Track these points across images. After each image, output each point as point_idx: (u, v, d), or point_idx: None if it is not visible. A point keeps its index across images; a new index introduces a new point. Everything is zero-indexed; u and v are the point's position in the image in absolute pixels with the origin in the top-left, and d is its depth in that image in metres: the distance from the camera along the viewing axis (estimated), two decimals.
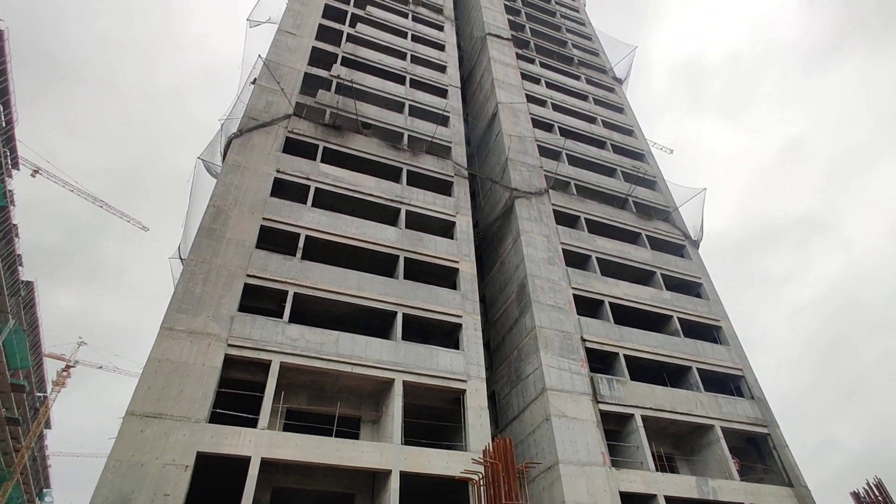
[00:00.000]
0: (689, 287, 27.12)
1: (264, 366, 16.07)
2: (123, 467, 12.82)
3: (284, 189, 21.09)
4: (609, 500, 16.99)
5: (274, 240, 19.46)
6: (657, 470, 18.95)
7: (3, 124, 42.21)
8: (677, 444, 22.06)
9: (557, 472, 17.07)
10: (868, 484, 8.75)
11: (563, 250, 24.59)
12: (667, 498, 18.04)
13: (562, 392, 19.07)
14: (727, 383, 23.93)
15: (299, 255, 18.96)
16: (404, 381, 17.24)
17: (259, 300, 17.97)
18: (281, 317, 17.17)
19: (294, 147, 22.84)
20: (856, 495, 8.81)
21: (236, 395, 15.61)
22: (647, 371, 22.26)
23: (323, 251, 20.08)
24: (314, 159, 22.59)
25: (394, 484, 14.90)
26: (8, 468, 48.89)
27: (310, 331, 17.13)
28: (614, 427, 20.02)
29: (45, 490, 65.85)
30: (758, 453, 22.49)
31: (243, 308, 17.02)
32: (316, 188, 21.43)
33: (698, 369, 23.03)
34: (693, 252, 28.88)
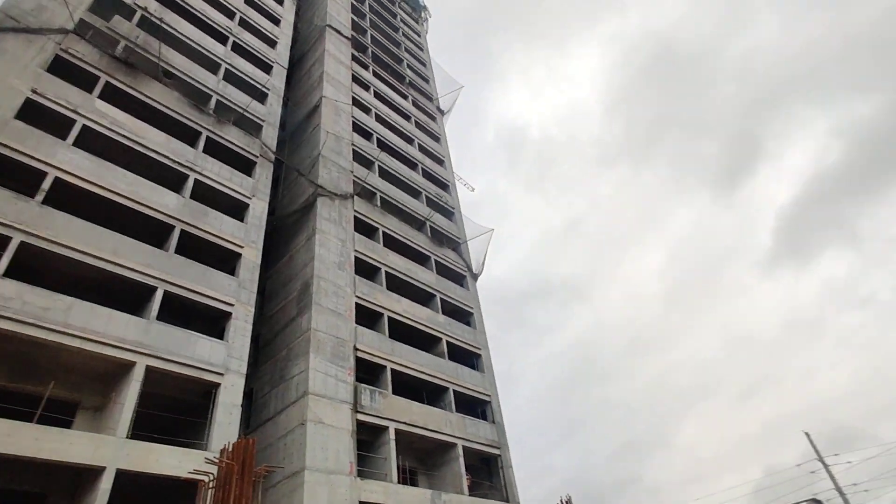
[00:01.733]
0: (463, 315, 29.50)
1: None
2: None
3: (40, 115, 17.11)
4: None
5: (12, 173, 15.61)
6: (399, 482, 19.78)
7: None
8: (422, 458, 23.40)
9: (301, 479, 16.60)
10: (560, 500, 10.31)
11: (356, 258, 24.64)
12: None
13: (324, 398, 18.77)
14: (475, 407, 26.40)
15: (40, 197, 15.47)
16: (148, 366, 15.09)
17: None
18: None
19: (65, 70, 18.78)
20: None
21: None
22: (408, 387, 23.30)
23: (78, 201, 16.73)
24: (90, 93, 18.90)
25: (105, 483, 12.75)
26: None
27: (32, 291, 13.95)
28: (367, 438, 20.38)
29: None
30: (487, 472, 25.12)
31: None
32: (84, 125, 17.89)
33: (455, 391, 24.95)
34: (472, 283, 31.56)
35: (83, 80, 19.07)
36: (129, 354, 14.91)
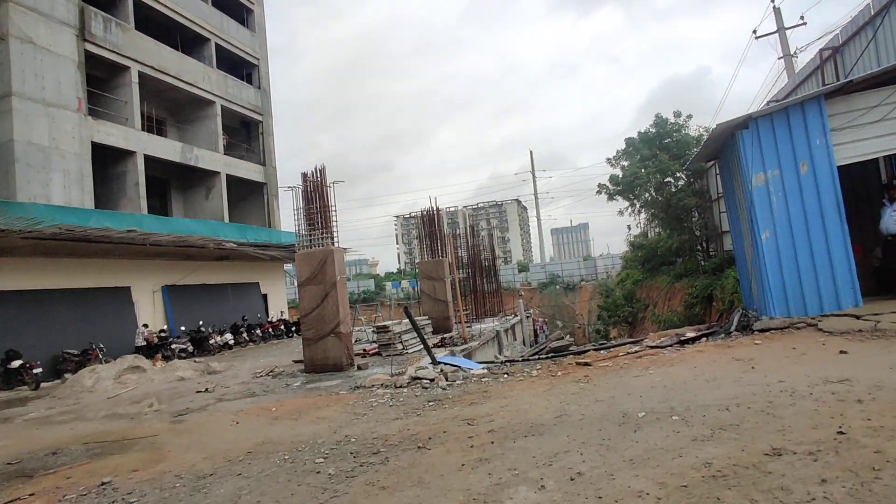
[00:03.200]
0: None
1: None
2: None
3: None
4: (77, 148, 15.46)
5: None
6: (143, 130, 18.27)
7: None
8: (173, 110, 21.59)
9: (9, 105, 13.89)
10: (315, 169, 10.97)
11: None
12: (147, 157, 17.93)
13: (34, 12, 14.71)
14: (241, 67, 24.26)
15: None
16: None
17: None
18: None
19: None
20: (304, 175, 10.99)
21: None
22: (158, 27, 19.71)
23: None
24: None
25: None
26: None
27: None
28: (102, 75, 17.51)
29: None
30: (247, 135, 24.83)
31: None
32: None
33: (217, 44, 22.21)
34: None
35: None
36: None
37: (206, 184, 21.38)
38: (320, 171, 11.12)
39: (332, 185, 11.10)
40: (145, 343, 15.12)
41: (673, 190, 19.75)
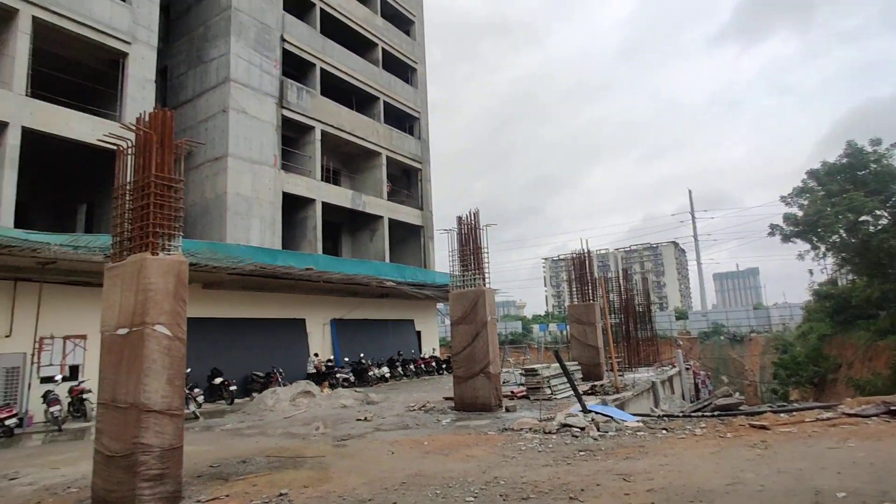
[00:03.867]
0: (402, 21, 27.19)
1: None
2: None
3: None
4: (272, 197, 18.14)
5: None
6: (322, 180, 20.82)
7: None
8: (346, 162, 24.30)
9: (225, 164, 16.93)
10: (469, 213, 11.51)
11: None
12: (324, 203, 20.35)
13: (247, 87, 17.89)
14: (404, 121, 26.61)
15: None
16: (36, 18, 13.16)
17: None
18: None
19: None
20: (459, 219, 11.57)
21: None
22: (338, 91, 22.59)
23: None
24: None
25: (12, 139, 12.31)
26: None
27: None
28: (293, 135, 20.45)
29: None
30: (407, 182, 26.89)
31: None
32: None
33: (385, 102, 24.65)
34: None
35: None
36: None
37: (371, 227, 23.50)
38: (474, 214, 11.64)
39: (484, 228, 11.53)
40: (315, 370, 16.79)
41: (871, 230, 16.92)
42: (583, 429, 7.54)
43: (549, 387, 11.64)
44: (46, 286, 11.80)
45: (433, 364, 21.54)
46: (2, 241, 9.81)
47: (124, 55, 14.94)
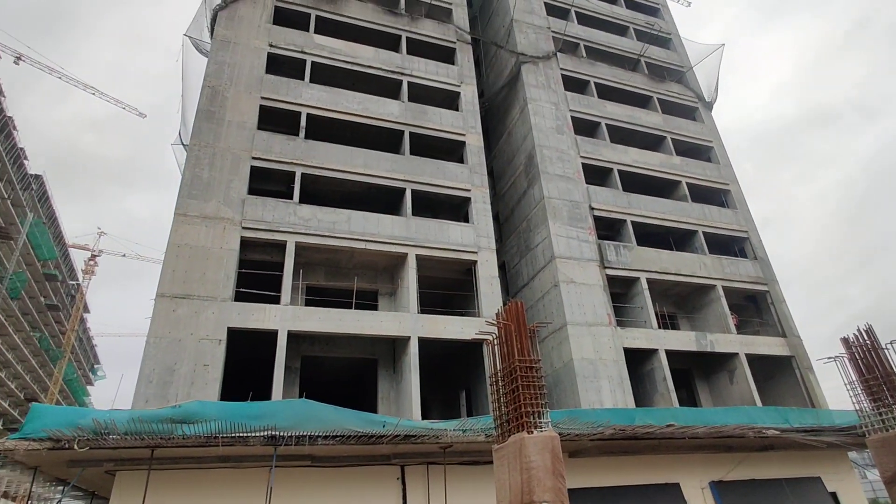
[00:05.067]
0: (700, 151, 26.66)
1: (280, 246, 16.53)
2: (163, 343, 13.83)
3: (279, 64, 20.07)
4: (614, 356, 18.31)
5: (275, 120, 18.96)
6: (659, 328, 20.13)
7: None
8: (680, 303, 23.16)
9: (566, 333, 18.21)
10: (858, 330, 9.28)
11: (572, 118, 23.84)
12: (667, 351, 19.39)
13: (570, 259, 19.67)
14: (731, 245, 24.48)
15: (302, 134, 18.58)
16: (417, 255, 17.78)
17: (267, 182, 18.00)
18: (291, 198, 17.30)
19: (284, 18, 21.33)
20: (845, 341, 9.39)
21: (257, 275, 16.30)
22: (653, 236, 22.70)
23: (326, 129, 19.62)
24: (307, 30, 21.18)
25: (413, 348, 16.05)
26: (58, 348, 52.91)
27: (321, 210, 17.35)
28: (620, 290, 20.92)
29: (95, 366, 71.82)
30: (756, 309, 23.65)
31: (253, 191, 17.09)
32: (312, 62, 20.36)
33: (704, 233, 23.43)
34: (706, 114, 27.90)
35: (298, 21, 21.42)
36: (401, 248, 17.71)
37: (726, 367, 20.90)
38: (865, 331, 9.34)
39: (889, 346, 9.04)
40: None
41: None
42: None
43: None
44: (449, 467, 13.96)
45: None
46: (416, 433, 12.34)
47: (474, 262, 18.55)
